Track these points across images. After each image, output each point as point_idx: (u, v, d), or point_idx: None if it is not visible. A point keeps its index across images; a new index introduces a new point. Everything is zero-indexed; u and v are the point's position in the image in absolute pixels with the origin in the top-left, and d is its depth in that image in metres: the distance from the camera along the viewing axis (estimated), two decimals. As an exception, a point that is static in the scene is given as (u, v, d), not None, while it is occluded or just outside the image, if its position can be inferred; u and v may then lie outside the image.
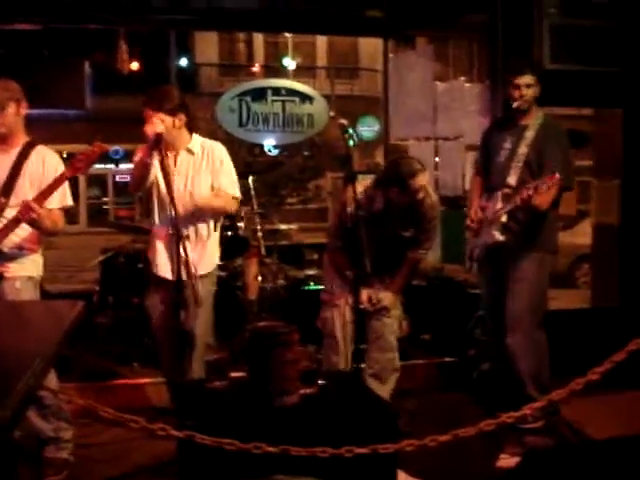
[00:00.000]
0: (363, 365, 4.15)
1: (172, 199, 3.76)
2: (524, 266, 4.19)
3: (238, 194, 4.15)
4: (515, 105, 4.19)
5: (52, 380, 3.51)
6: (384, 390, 4.19)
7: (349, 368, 4.24)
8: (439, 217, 4.41)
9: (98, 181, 24.59)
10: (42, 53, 7.30)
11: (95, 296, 5.91)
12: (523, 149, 4.17)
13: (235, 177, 4.14)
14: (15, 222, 3.50)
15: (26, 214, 3.43)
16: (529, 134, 4.18)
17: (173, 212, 3.75)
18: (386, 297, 4.29)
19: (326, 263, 4.49)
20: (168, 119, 3.92)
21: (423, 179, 4.08)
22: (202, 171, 4.08)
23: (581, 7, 5.42)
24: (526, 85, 4.15)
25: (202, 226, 4.08)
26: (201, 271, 3.97)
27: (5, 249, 3.59)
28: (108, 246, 6.12)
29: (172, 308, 4.09)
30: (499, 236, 4.15)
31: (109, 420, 2.40)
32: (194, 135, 4.13)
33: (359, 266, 3.72)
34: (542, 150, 4.13)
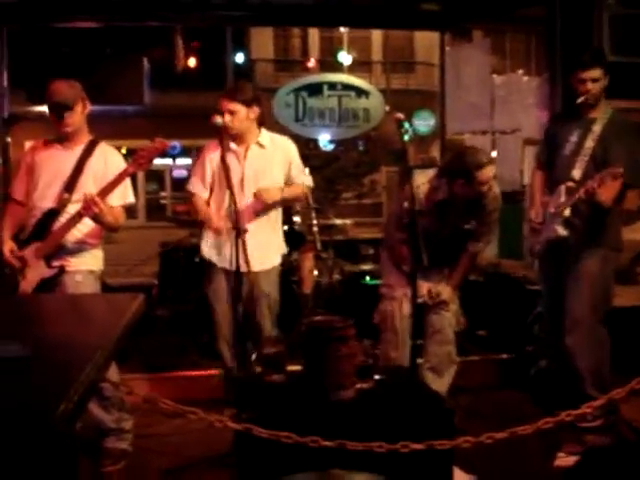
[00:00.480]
0: (420, 360, 4.16)
1: (232, 193, 3.83)
2: (587, 263, 4.11)
3: (310, 183, 4.33)
4: (580, 100, 4.08)
5: (113, 372, 3.58)
6: (442, 383, 4.18)
7: (407, 363, 4.26)
8: (500, 210, 4.34)
9: (156, 176, 24.91)
10: (103, 51, 7.44)
11: (154, 289, 6.01)
12: (590, 143, 4.08)
13: (305, 169, 4.36)
14: (78, 217, 3.57)
15: (89, 209, 3.50)
16: (597, 128, 4.08)
17: (233, 205, 3.82)
18: (445, 290, 4.27)
19: (383, 257, 4.48)
20: (242, 110, 4.09)
21: (490, 171, 4.00)
22: (274, 164, 4.22)
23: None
24: (592, 79, 4.04)
25: (265, 220, 4.17)
26: (264, 266, 4.06)
27: (67, 243, 3.67)
28: (166, 240, 6.21)
29: (231, 299, 4.18)
30: (562, 231, 4.06)
31: (168, 411, 2.43)
32: (263, 129, 4.28)
33: (418, 260, 3.71)
34: (609, 145, 4.02)
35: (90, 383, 1.34)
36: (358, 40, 22.25)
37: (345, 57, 17.09)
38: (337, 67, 16.44)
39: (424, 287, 4.14)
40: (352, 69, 17.00)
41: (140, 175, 26.47)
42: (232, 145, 4.21)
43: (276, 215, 4.35)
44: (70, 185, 3.66)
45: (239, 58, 17.29)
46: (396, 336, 4.21)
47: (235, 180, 4.11)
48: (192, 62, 9.90)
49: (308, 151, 16.46)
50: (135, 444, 3.94)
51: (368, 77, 17.83)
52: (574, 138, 4.17)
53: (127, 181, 3.73)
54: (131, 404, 3.85)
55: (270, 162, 4.24)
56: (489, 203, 4.19)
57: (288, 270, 5.93)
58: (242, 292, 4.07)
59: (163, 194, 25.72)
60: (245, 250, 3.73)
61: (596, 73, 4.05)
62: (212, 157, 4.25)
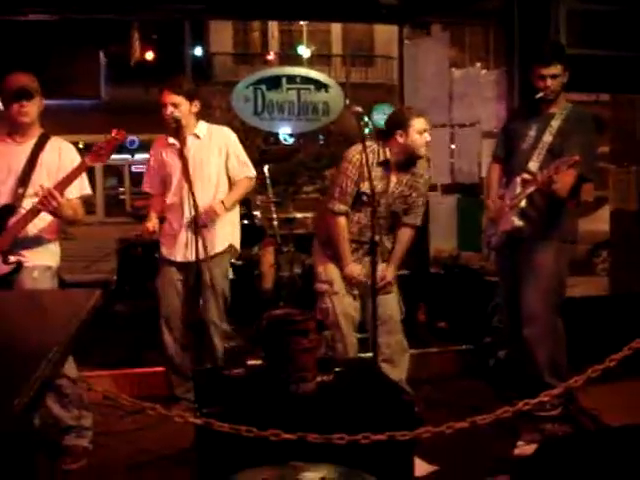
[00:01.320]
0: (370, 354, 4.18)
1: (190, 186, 3.81)
2: (541, 255, 4.16)
3: (253, 173, 4.31)
4: (539, 96, 4.12)
5: (71, 369, 3.54)
6: (398, 373, 4.20)
7: (356, 354, 4.29)
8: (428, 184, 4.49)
9: (115, 171, 24.67)
10: (59, 44, 7.33)
11: (112, 285, 5.96)
12: (548, 137, 4.12)
13: (246, 157, 4.34)
14: (35, 212, 3.51)
15: (47, 203, 3.45)
16: (555, 123, 4.12)
17: (192, 200, 3.82)
18: (389, 271, 4.28)
19: (318, 253, 4.42)
20: (185, 103, 4.07)
21: (424, 123, 4.13)
22: (210, 154, 4.21)
23: (598, -9, 5.38)
24: (551, 75, 4.08)
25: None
26: (214, 250, 4.15)
27: (24, 239, 3.60)
28: (124, 236, 6.16)
29: (185, 292, 4.19)
30: (517, 222, 4.10)
31: (128, 407, 2.41)
32: (200, 121, 4.33)
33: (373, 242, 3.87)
34: (566, 138, 4.06)
35: (46, 379, 1.32)
36: (318, 34, 22.24)
37: (304, 50, 17.10)
38: (297, 60, 16.44)
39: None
40: (312, 62, 17.03)
41: (98, 170, 26.17)
42: (170, 139, 4.24)
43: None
44: (24, 180, 3.60)
45: (198, 51, 17.20)
46: (340, 332, 4.20)
47: (177, 174, 4.12)
48: (149, 55, 9.80)
49: (268, 145, 16.45)
50: (96, 441, 3.91)
51: (328, 70, 17.81)
52: (532, 132, 4.21)
53: (83, 173, 3.69)
54: (91, 401, 3.81)
55: (207, 152, 4.26)
56: (420, 177, 4.28)
57: (249, 264, 5.93)
58: (190, 283, 4.14)
59: (122, 189, 25.47)
60: (205, 244, 3.72)
61: (556, 69, 4.09)
62: (162, 152, 4.26)
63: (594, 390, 4.18)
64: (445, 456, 3.75)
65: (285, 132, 7.51)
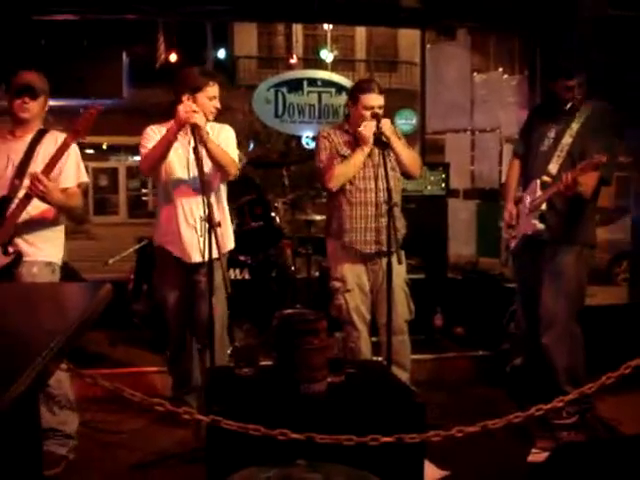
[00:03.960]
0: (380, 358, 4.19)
1: (203, 185, 3.77)
2: (562, 260, 4.12)
3: (238, 163, 4.20)
4: (569, 106, 4.13)
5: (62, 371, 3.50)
6: (400, 373, 4.21)
7: (370, 353, 4.29)
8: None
9: (137, 173, 24.83)
10: (82, 44, 7.39)
11: (130, 284, 5.96)
12: (567, 139, 4.10)
13: (237, 153, 4.22)
14: (26, 198, 3.50)
15: (34, 187, 3.43)
16: (575, 125, 4.11)
17: (206, 198, 3.76)
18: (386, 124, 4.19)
19: (330, 249, 4.45)
20: (201, 95, 4.03)
21: (375, 100, 4.15)
22: None
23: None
24: (579, 85, 4.10)
25: (216, 209, 4.07)
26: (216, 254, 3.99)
27: (21, 229, 3.59)
28: (143, 235, 6.16)
29: (193, 294, 4.13)
30: (539, 224, 4.07)
31: (136, 403, 2.41)
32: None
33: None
34: (586, 141, 4.04)
35: (45, 368, 1.32)
36: (342, 38, 22.27)
37: (327, 55, 17.10)
38: (320, 65, 16.43)
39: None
40: (335, 67, 17.01)
41: (122, 172, 26.44)
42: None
43: (225, 205, 4.29)
44: (21, 171, 3.61)
45: (221, 54, 17.26)
46: (354, 328, 4.25)
47: (185, 168, 4.07)
48: (173, 57, 9.83)
49: (288, 148, 16.45)
50: (104, 440, 3.91)
51: (352, 75, 17.78)
52: (552, 134, 4.18)
53: (79, 161, 3.73)
54: (100, 398, 3.80)
55: None
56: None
57: (266, 266, 5.92)
58: (202, 286, 4.06)
59: (144, 190, 25.63)
60: (218, 242, 3.67)
61: (580, 78, 4.09)
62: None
63: (613, 400, 4.16)
64: (457, 462, 3.72)
65: (306, 135, 7.50)
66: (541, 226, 4.07)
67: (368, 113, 4.15)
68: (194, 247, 4.03)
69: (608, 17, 5.35)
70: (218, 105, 4.12)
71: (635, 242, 6.38)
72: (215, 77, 4.19)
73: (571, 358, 4.12)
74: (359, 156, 4.18)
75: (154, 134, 4.08)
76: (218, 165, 4.02)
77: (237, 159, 4.19)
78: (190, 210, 4.08)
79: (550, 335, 4.11)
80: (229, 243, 4.28)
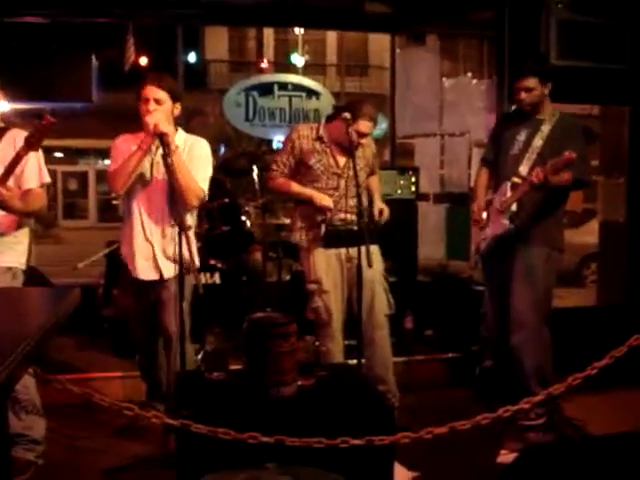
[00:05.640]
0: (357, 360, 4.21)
1: (175, 193, 3.72)
2: (530, 262, 4.16)
3: (205, 190, 3.97)
4: (514, 108, 4.20)
5: (28, 375, 3.47)
6: (384, 370, 4.35)
7: (343, 356, 4.33)
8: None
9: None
10: (51, 47, 7.33)
11: (100, 289, 5.92)
12: (538, 141, 4.14)
13: (208, 175, 3.99)
14: None
15: None
16: (545, 128, 4.15)
17: (177, 206, 3.71)
18: (384, 209, 4.42)
19: (302, 252, 4.47)
20: (168, 101, 3.87)
21: (368, 127, 4.25)
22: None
23: (588, 3, 5.41)
24: (525, 89, 4.12)
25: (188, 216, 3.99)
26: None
27: None
28: (113, 239, 6.12)
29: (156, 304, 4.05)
30: (510, 225, 4.11)
31: (105, 408, 2.40)
32: (179, 130, 4.06)
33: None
34: (558, 145, 4.06)
35: (14, 371, 1.31)
36: (313, 43, 22.30)
37: (298, 59, 17.13)
38: (292, 69, 16.47)
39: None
40: (307, 72, 17.05)
41: (91, 176, 26.23)
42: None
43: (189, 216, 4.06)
44: None
45: (192, 58, 17.23)
46: (330, 330, 4.29)
47: (148, 179, 3.94)
48: (143, 61, 9.79)
49: (260, 152, 16.42)
50: (75, 444, 3.89)
51: (323, 80, 17.85)
52: (522, 137, 4.22)
53: (40, 161, 3.59)
54: (68, 404, 3.76)
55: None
56: (369, 144, 4.49)
57: (237, 270, 5.91)
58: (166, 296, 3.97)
59: (114, 194, 25.34)
60: (189, 246, 3.64)
61: (530, 83, 4.12)
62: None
63: (580, 400, 4.20)
64: (427, 463, 3.74)
65: (276, 139, 7.51)
66: (512, 226, 4.11)
67: (358, 139, 4.25)
68: (148, 266, 3.95)
69: (572, 22, 5.43)
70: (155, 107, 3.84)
71: (603, 245, 6.46)
72: (150, 79, 3.92)
73: (539, 359, 4.15)
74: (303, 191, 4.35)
75: (126, 146, 3.93)
76: (179, 188, 3.74)
77: (205, 179, 3.95)
78: (151, 223, 3.95)
79: (519, 337, 4.14)
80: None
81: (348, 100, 4.62)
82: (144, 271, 3.98)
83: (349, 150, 4.18)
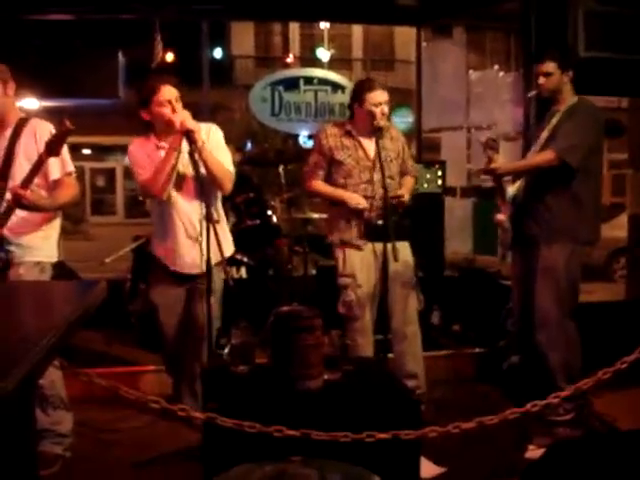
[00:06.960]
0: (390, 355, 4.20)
1: (203, 186, 3.74)
2: (552, 259, 4.11)
3: (233, 172, 4.05)
4: (532, 94, 4.20)
5: (55, 370, 3.49)
6: (414, 365, 4.33)
7: (373, 350, 4.32)
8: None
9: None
10: (77, 44, 7.39)
11: (127, 284, 5.96)
12: (545, 134, 4.11)
13: (230, 157, 4.08)
14: (9, 211, 3.43)
15: (15, 201, 3.36)
16: (555, 120, 4.11)
17: (205, 197, 3.73)
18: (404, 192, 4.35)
19: (335, 246, 4.44)
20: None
21: (380, 96, 4.21)
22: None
23: (617, -6, 5.33)
24: (544, 73, 4.07)
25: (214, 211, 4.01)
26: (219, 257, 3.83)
27: (8, 234, 3.51)
28: (139, 234, 6.15)
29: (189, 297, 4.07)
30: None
31: (132, 402, 2.41)
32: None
33: None
34: (557, 130, 4.05)
35: (39, 363, 1.32)
36: (338, 37, 22.26)
37: (324, 53, 17.11)
38: (317, 64, 16.44)
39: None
40: (333, 66, 17.02)
41: (119, 172, 26.43)
42: (162, 143, 3.94)
43: (220, 208, 4.18)
44: (4, 172, 3.50)
45: (217, 54, 17.24)
46: (363, 324, 4.28)
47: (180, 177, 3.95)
48: (169, 57, 9.82)
49: (285, 147, 16.46)
50: (102, 438, 3.90)
51: (349, 74, 17.82)
52: (544, 134, 4.18)
53: (64, 152, 3.54)
54: (96, 397, 3.79)
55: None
56: (398, 138, 4.46)
57: (263, 264, 5.92)
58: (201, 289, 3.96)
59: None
60: (218, 240, 3.64)
61: (549, 67, 4.06)
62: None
63: (610, 396, 4.16)
64: (454, 458, 3.73)
65: (301, 133, 7.51)
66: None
67: (378, 109, 4.19)
68: (194, 261, 3.97)
69: (600, 13, 5.35)
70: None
71: (632, 238, 6.38)
72: (163, 81, 3.93)
73: (565, 355, 4.10)
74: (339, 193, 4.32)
75: (142, 151, 3.97)
76: (213, 178, 3.88)
77: (230, 163, 4.03)
78: (189, 220, 3.99)
79: (543, 332, 4.10)
80: (227, 248, 4.09)
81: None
82: (189, 266, 4.02)
83: (376, 136, 4.18)
